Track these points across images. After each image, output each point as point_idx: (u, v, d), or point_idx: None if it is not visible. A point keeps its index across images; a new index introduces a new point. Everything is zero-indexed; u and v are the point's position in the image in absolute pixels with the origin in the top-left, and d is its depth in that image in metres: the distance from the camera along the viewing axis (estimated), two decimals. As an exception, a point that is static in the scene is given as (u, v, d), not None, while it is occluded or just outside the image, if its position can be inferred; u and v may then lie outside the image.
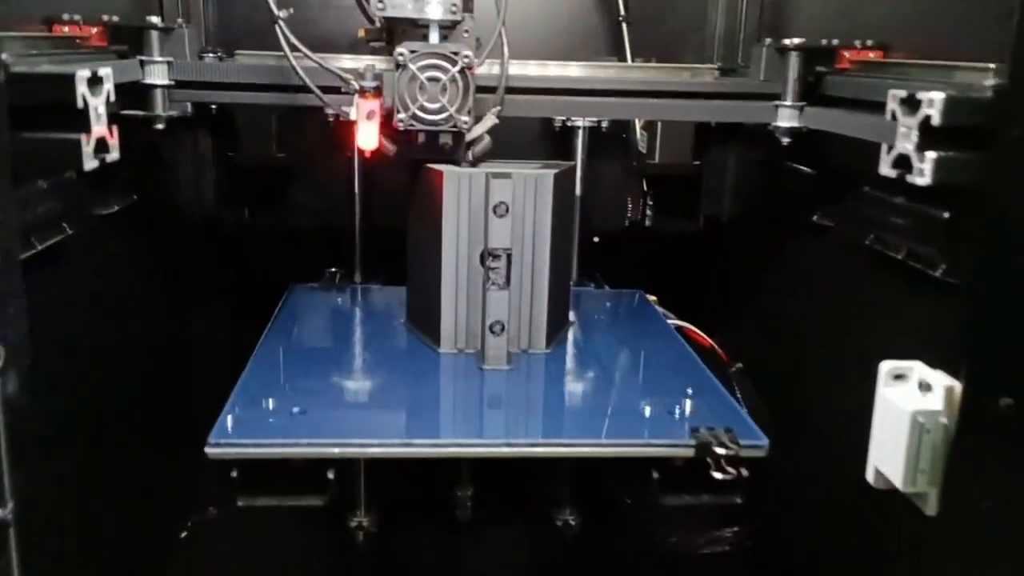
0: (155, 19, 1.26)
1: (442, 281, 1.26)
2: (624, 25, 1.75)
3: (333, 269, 1.62)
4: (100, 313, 1.34)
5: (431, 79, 1.19)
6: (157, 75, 1.27)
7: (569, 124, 1.75)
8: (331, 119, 1.71)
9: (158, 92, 1.28)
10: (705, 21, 1.83)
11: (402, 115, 1.20)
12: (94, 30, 1.28)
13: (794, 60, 1.33)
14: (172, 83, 1.29)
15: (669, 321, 1.49)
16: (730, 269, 1.85)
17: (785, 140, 1.37)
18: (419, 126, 1.21)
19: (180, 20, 1.32)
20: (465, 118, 1.21)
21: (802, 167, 1.49)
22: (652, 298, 1.59)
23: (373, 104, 1.18)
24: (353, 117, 1.19)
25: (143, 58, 1.26)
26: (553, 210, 1.25)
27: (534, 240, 1.25)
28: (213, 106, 1.74)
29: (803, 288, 1.54)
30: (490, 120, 1.28)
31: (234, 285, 1.89)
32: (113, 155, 0.83)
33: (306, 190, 1.87)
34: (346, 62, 1.23)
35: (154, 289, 1.66)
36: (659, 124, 1.74)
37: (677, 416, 1.09)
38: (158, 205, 1.70)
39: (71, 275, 1.23)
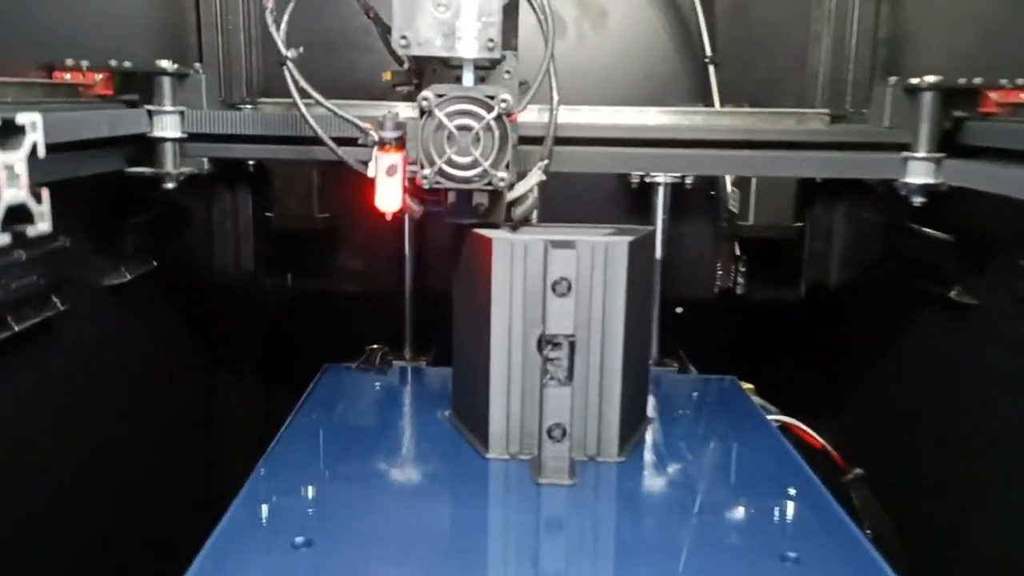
0: (165, 63, 1.09)
1: (491, 371, 1.03)
2: (711, 68, 1.53)
3: (375, 346, 1.41)
4: (110, 391, 1.19)
5: (461, 128, 0.98)
6: (166, 127, 1.10)
7: (648, 180, 1.52)
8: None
9: (168, 146, 1.11)
10: (805, 63, 1.59)
11: (427, 171, 0.99)
12: (99, 76, 1.12)
13: (928, 102, 1.08)
14: (184, 136, 1.11)
15: (770, 417, 1.23)
16: (842, 351, 1.57)
17: (917, 200, 1.11)
18: (447, 184, 1.00)
19: (197, 65, 1.14)
20: (502, 174, 0.99)
21: (935, 232, 1.22)
22: (748, 386, 1.33)
23: (395, 158, 0.98)
24: (372, 173, 0.99)
25: (151, 108, 1.09)
26: (628, 287, 1.01)
27: (604, 324, 1.02)
28: (250, 162, 1.58)
29: (937, 379, 1.26)
30: (535, 176, 1.06)
31: (273, 358, 1.71)
32: (42, 227, 0.65)
33: (351, 253, 1.69)
34: (370, 110, 1.04)
35: (177, 364, 1.49)
36: (753, 180, 1.49)
37: (786, 560, 0.83)
38: (185, 271, 1.54)
39: (69, 353, 1.07)
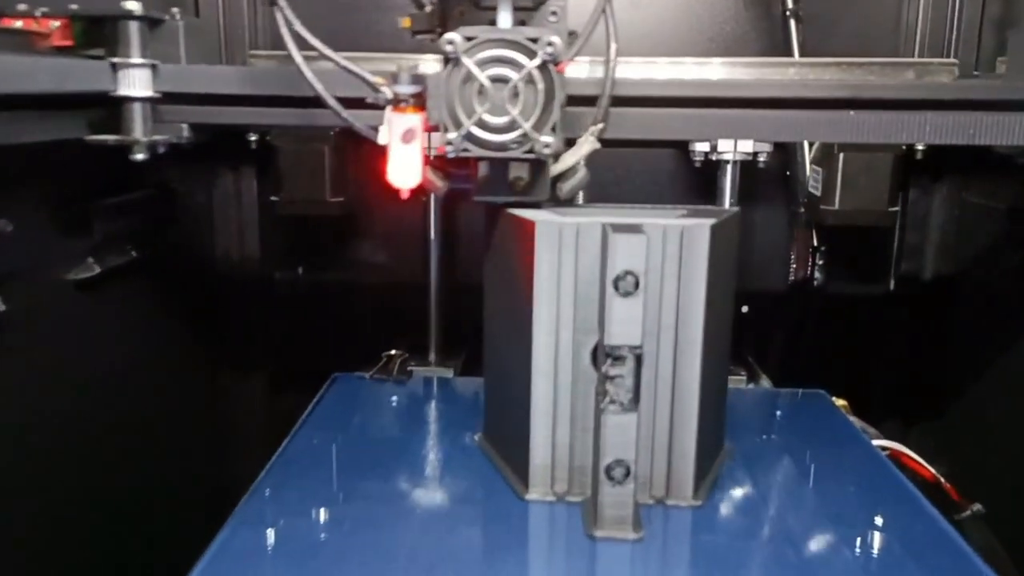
0: (132, 4, 0.88)
1: (533, 389, 0.81)
2: (792, 22, 1.29)
3: (392, 352, 1.20)
4: (81, 400, 1.03)
5: (495, 79, 0.76)
6: (134, 84, 0.89)
7: (715, 157, 1.29)
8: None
9: (136, 108, 0.90)
10: (899, 18, 1.35)
11: (452, 135, 0.77)
12: (55, 24, 0.93)
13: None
14: (156, 95, 0.91)
15: (874, 443, 0.99)
16: (946, 359, 1.33)
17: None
18: (477, 152, 0.78)
19: (175, 10, 0.94)
20: (547, 139, 0.77)
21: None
22: (842, 403, 1.09)
23: (412, 120, 0.77)
24: (384, 140, 0.78)
25: (115, 60, 0.89)
26: (708, 284, 0.79)
27: (677, 332, 0.79)
28: (252, 138, 1.38)
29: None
30: (587, 144, 0.85)
31: (283, 358, 1.51)
32: None
33: (369, 242, 1.48)
34: (384, 64, 0.82)
35: (170, 367, 1.30)
36: (841, 156, 1.26)
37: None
38: (180, 263, 1.34)
39: (17, 358, 0.88)
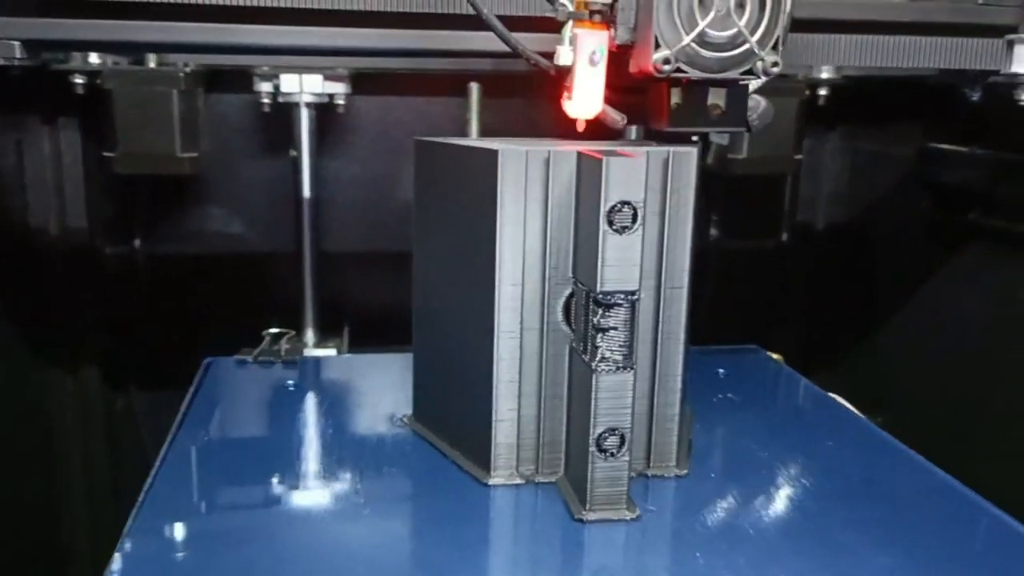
0: None
1: (496, 354, 0.68)
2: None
3: (275, 330, 1.02)
4: None
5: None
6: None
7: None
8: (267, 104, 1.15)
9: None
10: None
11: (664, 52, 0.63)
12: None
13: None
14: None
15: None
16: (854, 303, 1.33)
17: (1024, 99, 0.85)
18: (693, 73, 0.65)
19: None
20: (772, 57, 0.65)
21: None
22: (777, 357, 1.03)
23: (599, 37, 0.65)
24: (565, 61, 0.66)
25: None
26: (694, 221, 0.69)
27: (662, 278, 0.69)
28: (78, 80, 1.13)
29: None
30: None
31: (122, 347, 1.28)
32: None
33: (229, 206, 1.27)
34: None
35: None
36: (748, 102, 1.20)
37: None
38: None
39: None
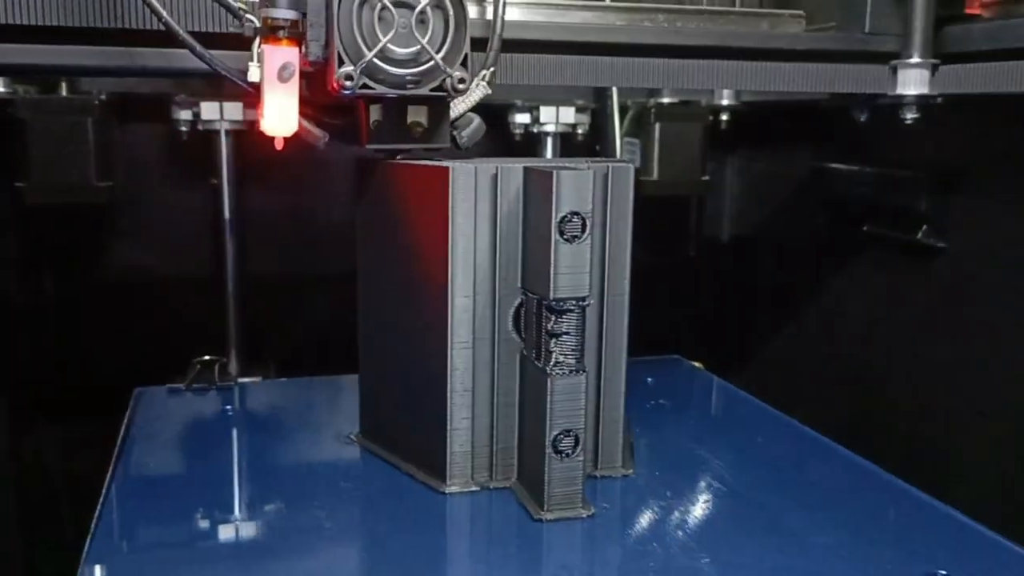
0: None
1: (450, 365, 0.70)
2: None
3: (206, 357, 1.00)
4: None
5: (399, 3, 0.65)
6: None
7: (537, 130, 1.26)
8: (185, 132, 1.14)
9: None
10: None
11: (347, 67, 0.65)
12: None
13: (921, 2, 0.91)
14: None
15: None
16: (758, 312, 1.40)
17: (909, 117, 0.93)
18: (378, 89, 0.66)
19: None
20: (459, 73, 0.67)
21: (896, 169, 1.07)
22: (697, 364, 1.09)
23: (290, 53, 0.64)
24: (255, 78, 0.65)
25: None
26: (631, 230, 0.73)
27: (605, 284, 0.72)
28: (-14, 108, 1.10)
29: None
30: (479, 90, 0.75)
31: (30, 383, 1.23)
32: None
33: (146, 237, 1.25)
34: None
35: None
36: (657, 126, 1.27)
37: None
38: None
39: None
